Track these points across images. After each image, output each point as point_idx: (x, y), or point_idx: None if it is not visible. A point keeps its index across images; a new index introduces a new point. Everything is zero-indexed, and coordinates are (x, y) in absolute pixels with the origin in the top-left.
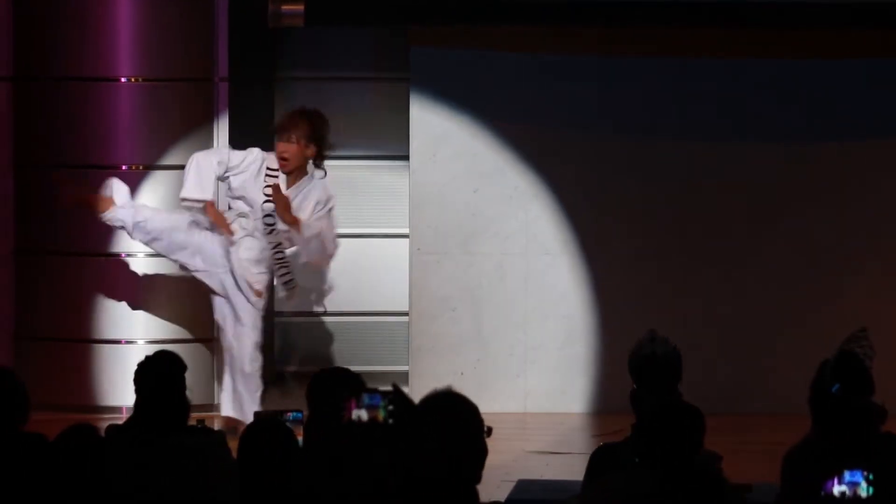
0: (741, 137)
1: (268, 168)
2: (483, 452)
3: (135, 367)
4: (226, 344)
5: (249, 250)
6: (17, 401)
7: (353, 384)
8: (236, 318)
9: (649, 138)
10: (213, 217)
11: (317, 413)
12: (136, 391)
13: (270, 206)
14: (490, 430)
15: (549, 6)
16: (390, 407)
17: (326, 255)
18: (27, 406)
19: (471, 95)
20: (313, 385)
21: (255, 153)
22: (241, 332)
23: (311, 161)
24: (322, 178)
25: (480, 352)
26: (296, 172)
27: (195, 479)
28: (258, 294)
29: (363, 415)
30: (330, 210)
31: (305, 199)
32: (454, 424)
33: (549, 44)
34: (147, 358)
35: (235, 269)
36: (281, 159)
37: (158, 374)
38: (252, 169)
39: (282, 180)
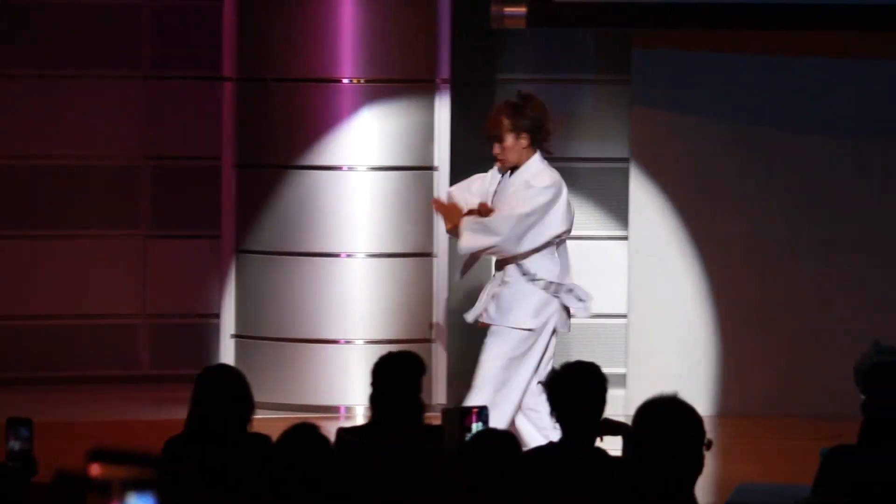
0: None
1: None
2: (698, 467)
3: (367, 367)
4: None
5: None
6: (246, 402)
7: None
8: None
9: (874, 140)
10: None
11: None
12: (372, 389)
13: None
14: (710, 442)
15: (772, 9)
16: None
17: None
18: (253, 407)
19: (692, 98)
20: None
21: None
22: None
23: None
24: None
25: (701, 354)
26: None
27: (429, 482)
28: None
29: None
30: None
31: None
32: (671, 433)
33: (771, 46)
34: (386, 356)
35: None
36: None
37: (396, 373)
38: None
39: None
